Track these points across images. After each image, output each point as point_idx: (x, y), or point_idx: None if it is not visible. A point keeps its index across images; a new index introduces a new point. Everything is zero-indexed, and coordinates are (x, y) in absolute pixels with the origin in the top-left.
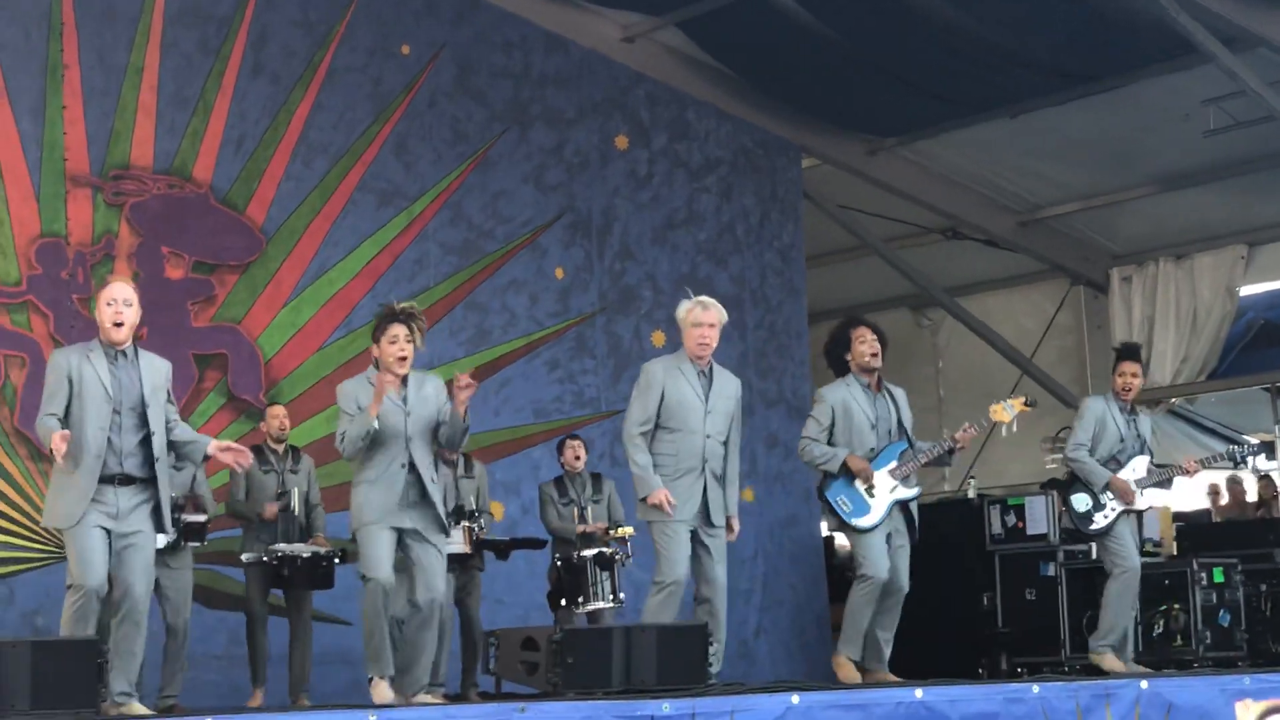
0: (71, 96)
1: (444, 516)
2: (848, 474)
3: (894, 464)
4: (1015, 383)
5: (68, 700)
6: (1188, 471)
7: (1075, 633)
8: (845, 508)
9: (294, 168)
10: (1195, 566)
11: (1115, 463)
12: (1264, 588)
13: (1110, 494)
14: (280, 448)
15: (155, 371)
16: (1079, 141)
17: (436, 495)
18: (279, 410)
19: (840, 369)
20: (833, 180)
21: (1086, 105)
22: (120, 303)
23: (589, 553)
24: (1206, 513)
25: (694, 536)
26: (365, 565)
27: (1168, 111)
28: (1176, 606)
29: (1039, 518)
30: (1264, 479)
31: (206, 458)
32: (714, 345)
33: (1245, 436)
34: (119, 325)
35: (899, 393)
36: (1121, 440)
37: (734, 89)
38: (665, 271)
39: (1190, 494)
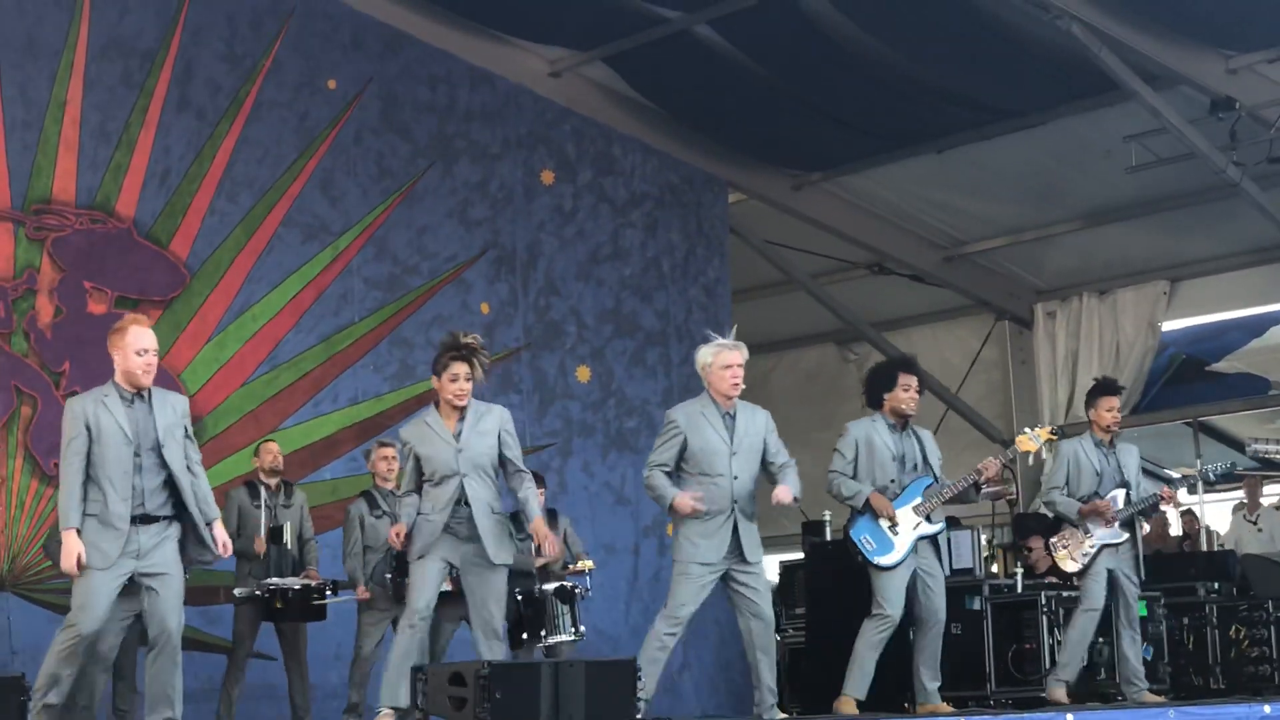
0: None
1: (496, 546)
2: (872, 511)
3: (918, 500)
4: (940, 417)
5: None
6: (1166, 501)
7: (1000, 667)
8: (869, 546)
9: (218, 203)
10: None
11: (1097, 498)
12: (1186, 621)
13: (1089, 526)
14: (273, 482)
15: (170, 410)
16: (1004, 177)
17: (487, 527)
18: (273, 446)
19: (874, 403)
20: (759, 215)
21: (1011, 141)
22: (151, 353)
23: (549, 586)
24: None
25: (729, 578)
26: (410, 592)
27: (1091, 148)
28: (1101, 640)
29: (965, 552)
30: (1186, 513)
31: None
32: (742, 386)
33: (1168, 470)
34: (149, 374)
35: (926, 434)
36: (1098, 475)
37: (660, 124)
38: (590, 306)
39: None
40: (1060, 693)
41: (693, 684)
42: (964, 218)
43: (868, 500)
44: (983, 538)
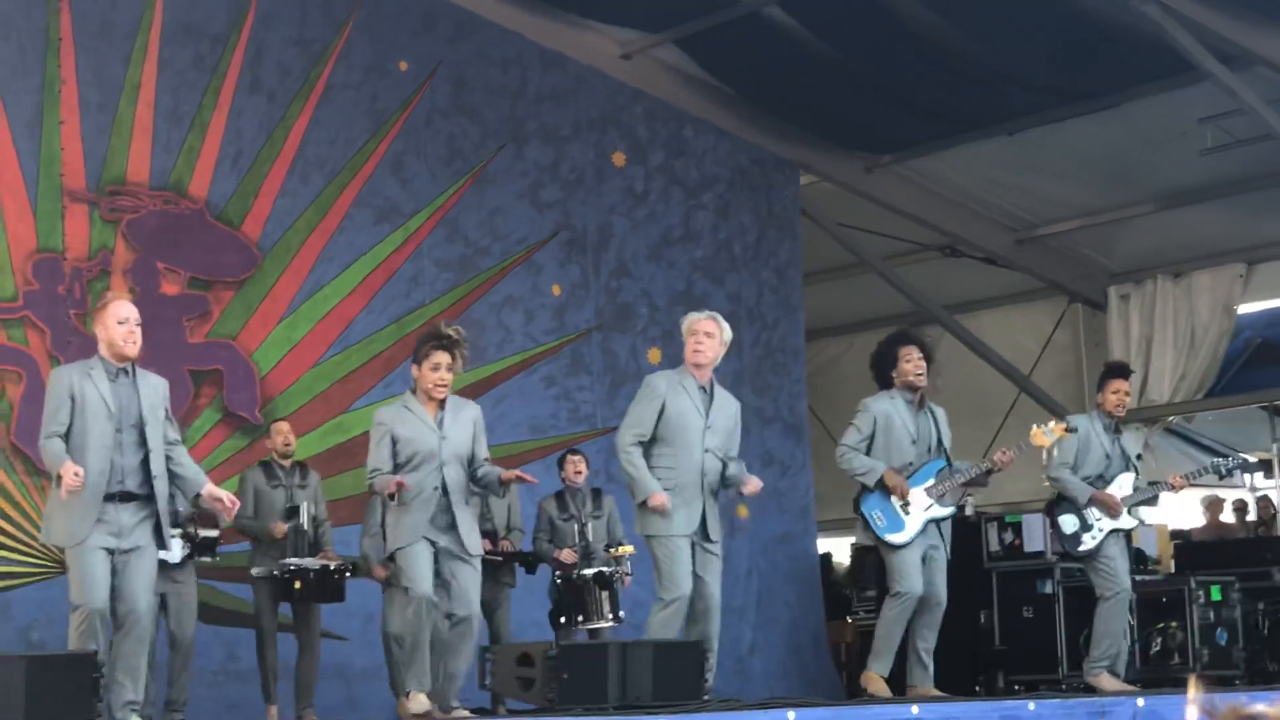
0: (68, 112)
1: (474, 539)
2: (884, 489)
3: (931, 481)
4: (1013, 401)
5: (64, 716)
6: (1174, 488)
7: (1072, 650)
8: (880, 522)
9: (290, 184)
10: (1193, 584)
11: (1101, 481)
12: (1261, 606)
13: (1096, 512)
14: (287, 463)
15: (153, 389)
16: (1077, 159)
17: (465, 518)
18: (284, 426)
19: (884, 383)
20: (830, 198)
21: (1085, 123)
22: (132, 322)
23: (589, 571)
24: (1204, 530)
25: (692, 550)
26: (408, 581)
27: (1166, 129)
28: (1174, 625)
29: (1036, 535)
30: (1262, 498)
31: (198, 496)
32: (709, 355)
33: (1244, 456)
34: (133, 343)
35: (940, 412)
36: (1107, 458)
37: (732, 106)
38: (661, 289)
39: (1188, 512)
40: (1106, 679)
41: (762, 666)
42: (1036, 200)
43: (881, 477)
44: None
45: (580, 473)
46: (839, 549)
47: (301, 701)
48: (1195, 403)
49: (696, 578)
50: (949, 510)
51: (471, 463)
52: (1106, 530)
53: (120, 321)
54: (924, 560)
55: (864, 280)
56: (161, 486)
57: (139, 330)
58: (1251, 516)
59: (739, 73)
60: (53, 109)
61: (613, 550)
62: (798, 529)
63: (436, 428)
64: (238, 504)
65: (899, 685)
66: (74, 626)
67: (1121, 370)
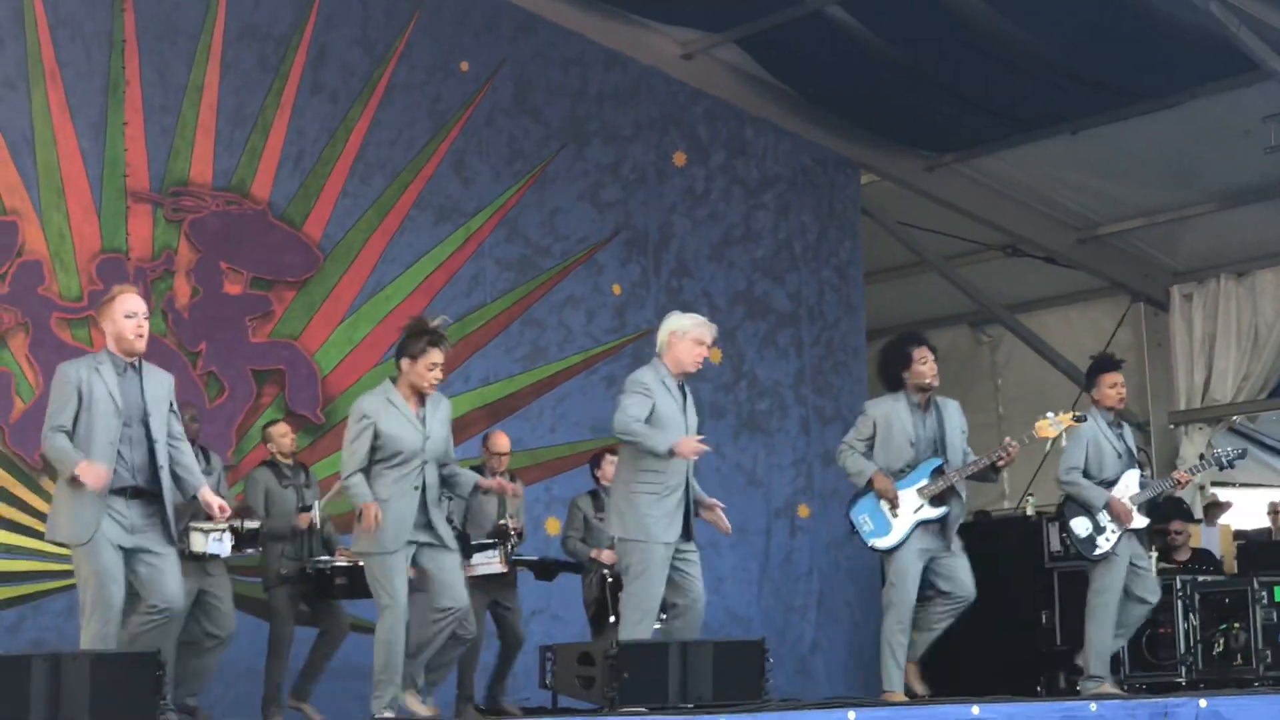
0: (132, 113)
1: (447, 530)
2: (875, 492)
3: (924, 482)
4: (1074, 400)
5: (128, 715)
6: (1179, 483)
7: (1134, 650)
8: (866, 527)
9: (352, 185)
10: (1255, 585)
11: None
12: None
13: (1108, 515)
14: (290, 463)
15: (158, 383)
16: (1139, 158)
17: (437, 515)
18: (285, 428)
19: (894, 385)
20: (891, 197)
21: (1146, 122)
22: (141, 316)
23: None
24: (1267, 531)
25: (675, 555)
26: (386, 592)
27: (1228, 128)
28: (1236, 625)
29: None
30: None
31: (192, 498)
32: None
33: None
34: (141, 338)
35: (951, 406)
36: (1119, 457)
37: (792, 106)
38: (722, 288)
39: (1252, 514)
40: (1107, 688)
41: (824, 666)
42: (1098, 199)
43: (870, 479)
44: None
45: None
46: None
47: (303, 688)
48: (1259, 402)
49: (682, 576)
50: (940, 512)
51: (443, 463)
52: (1120, 532)
53: (129, 315)
54: (931, 563)
55: (925, 279)
56: (167, 479)
57: (147, 324)
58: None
59: (800, 72)
60: (117, 110)
61: None
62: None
63: (420, 425)
64: (228, 511)
65: (940, 684)
66: (92, 631)
67: (1114, 363)
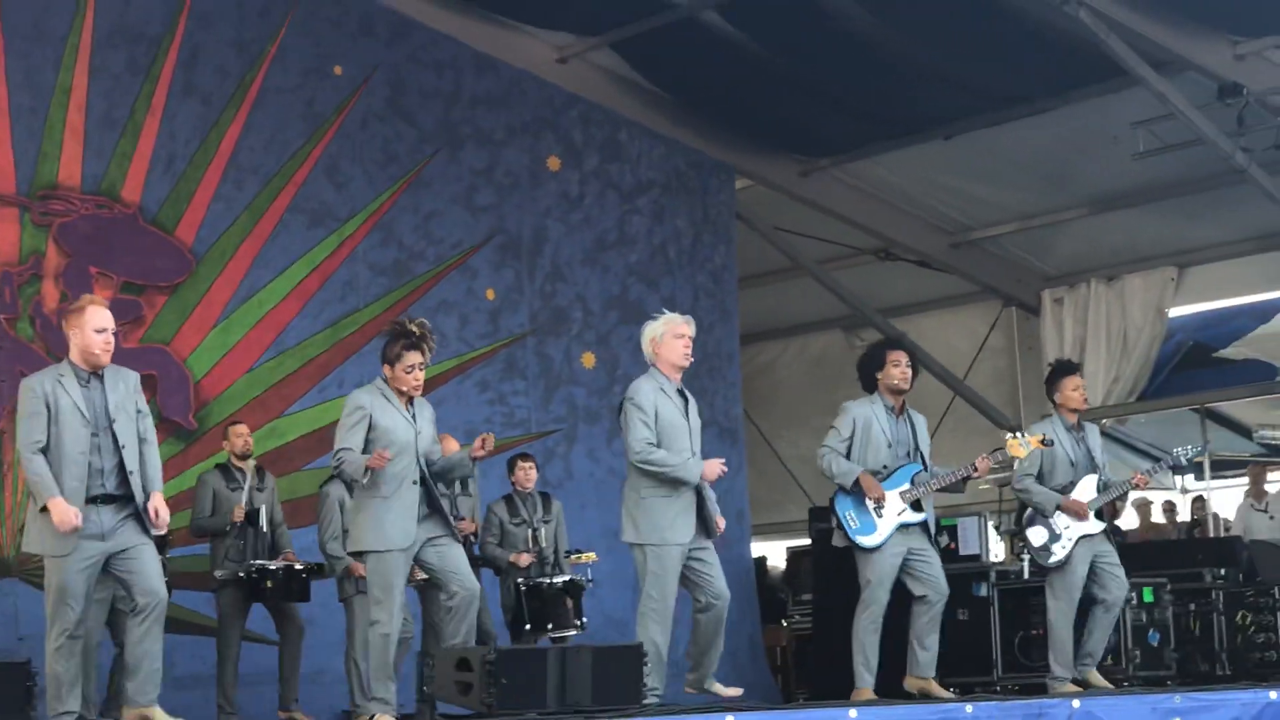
0: None
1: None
2: (860, 491)
3: (905, 486)
4: (947, 404)
5: None
6: (1137, 486)
7: (1007, 653)
8: (852, 524)
9: (224, 189)
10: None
11: (1073, 487)
12: (1193, 607)
13: (1064, 520)
14: (245, 465)
15: (120, 386)
16: (1012, 163)
17: (444, 503)
18: (242, 429)
19: (868, 386)
20: (766, 201)
21: (1019, 127)
22: (110, 331)
23: (560, 579)
24: (1138, 531)
25: (689, 557)
26: (382, 590)
27: (1099, 134)
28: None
29: (971, 538)
30: (1196, 499)
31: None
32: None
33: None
34: (107, 352)
35: (919, 419)
36: (1073, 464)
37: (667, 110)
38: (596, 293)
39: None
40: (1068, 688)
41: None
42: (971, 204)
43: (857, 480)
44: (989, 524)
45: (531, 477)
46: (774, 553)
47: (287, 695)
48: (1128, 405)
49: (702, 576)
50: (922, 516)
51: (430, 462)
52: (1075, 538)
53: (98, 330)
54: (910, 564)
55: (799, 284)
56: (136, 481)
57: (113, 340)
58: (1184, 517)
59: (675, 76)
60: None
61: (574, 557)
62: (732, 533)
63: (411, 421)
64: (164, 527)
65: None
66: (53, 641)
67: (1071, 367)
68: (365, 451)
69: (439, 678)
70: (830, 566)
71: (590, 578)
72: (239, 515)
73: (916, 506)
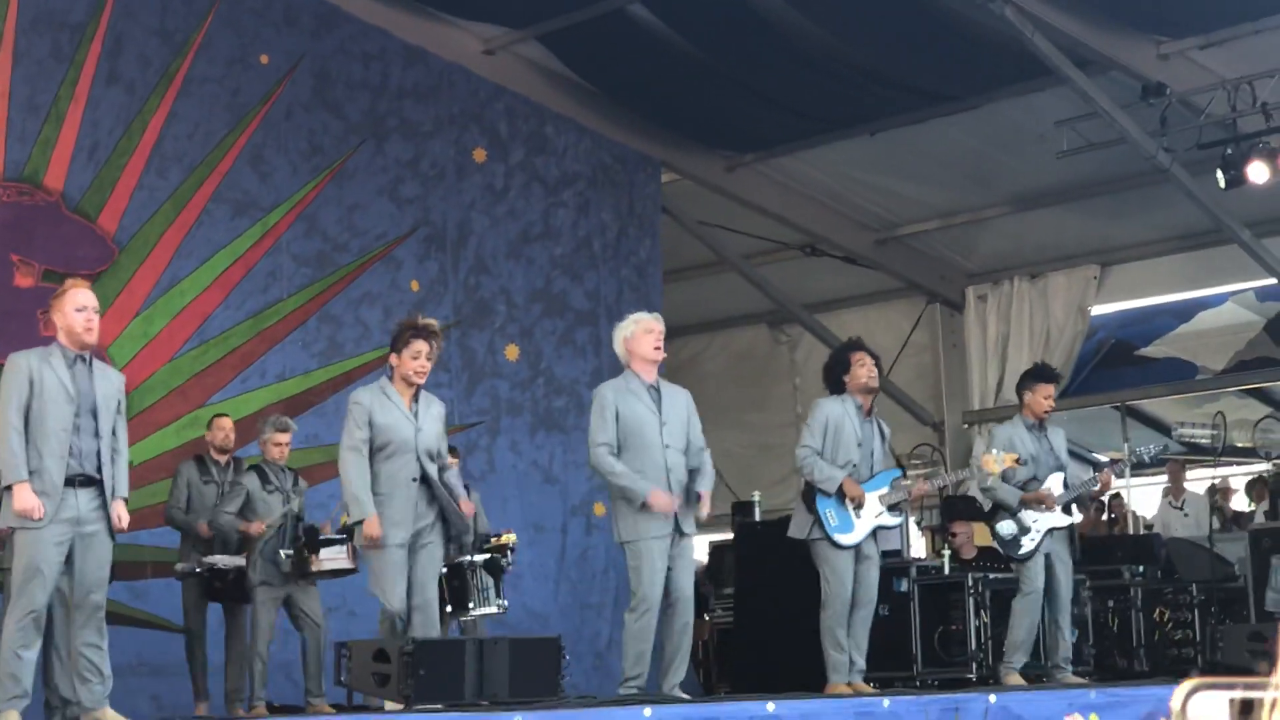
0: None
1: (453, 517)
2: (840, 493)
3: (884, 490)
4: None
5: None
6: (1103, 484)
7: (927, 648)
8: (832, 521)
9: (148, 177)
10: None
11: (1035, 483)
12: (1111, 603)
13: (1032, 514)
14: (223, 459)
15: (109, 381)
16: (936, 160)
17: (445, 502)
18: (225, 422)
19: (835, 388)
20: (691, 196)
21: (944, 124)
22: (90, 309)
23: (479, 558)
24: None
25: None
26: (380, 592)
27: (1023, 132)
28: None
29: (892, 534)
30: (1114, 497)
31: None
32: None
33: (1095, 455)
34: (91, 331)
35: (884, 425)
36: (1033, 460)
37: (594, 104)
38: (520, 285)
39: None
40: (1016, 678)
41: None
42: (896, 200)
43: (840, 485)
44: (910, 520)
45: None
46: (697, 548)
47: (232, 697)
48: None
49: (670, 571)
50: (898, 520)
51: (434, 458)
52: (1044, 530)
53: (79, 309)
54: (857, 564)
55: (725, 279)
56: (109, 471)
57: (97, 318)
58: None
59: (601, 70)
60: None
61: (495, 539)
62: None
63: (413, 418)
64: (124, 526)
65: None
66: (14, 622)
67: (1049, 374)
68: (370, 446)
69: (356, 669)
70: (752, 560)
71: (511, 560)
72: (204, 532)
73: (893, 510)
